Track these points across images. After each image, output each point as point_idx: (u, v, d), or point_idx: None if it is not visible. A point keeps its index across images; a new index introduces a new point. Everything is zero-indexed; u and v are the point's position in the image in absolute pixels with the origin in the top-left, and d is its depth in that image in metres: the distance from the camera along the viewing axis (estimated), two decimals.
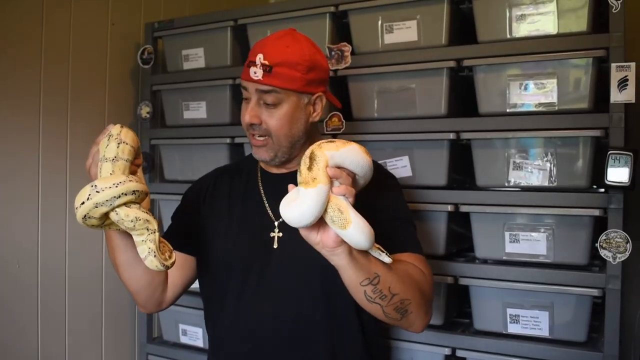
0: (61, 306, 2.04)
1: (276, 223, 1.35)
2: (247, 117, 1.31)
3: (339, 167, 1.04)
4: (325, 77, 1.39)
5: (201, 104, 2.22)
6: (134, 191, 1.01)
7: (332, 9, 1.93)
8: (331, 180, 1.01)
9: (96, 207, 0.99)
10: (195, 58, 2.25)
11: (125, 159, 1.08)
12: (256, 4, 3.05)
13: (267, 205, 1.38)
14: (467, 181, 1.94)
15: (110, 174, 1.05)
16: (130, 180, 1.02)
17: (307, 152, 1.03)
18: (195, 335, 2.19)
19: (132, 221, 1.02)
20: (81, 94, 2.10)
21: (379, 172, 1.42)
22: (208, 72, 2.21)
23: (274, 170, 1.42)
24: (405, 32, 1.84)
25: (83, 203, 0.99)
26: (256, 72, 1.29)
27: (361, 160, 1.07)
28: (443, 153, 1.79)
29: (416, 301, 1.18)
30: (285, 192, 1.35)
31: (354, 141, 1.13)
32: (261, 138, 1.33)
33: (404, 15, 1.84)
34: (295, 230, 1.29)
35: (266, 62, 1.29)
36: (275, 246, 1.33)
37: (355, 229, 0.99)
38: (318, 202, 0.98)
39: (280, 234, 1.34)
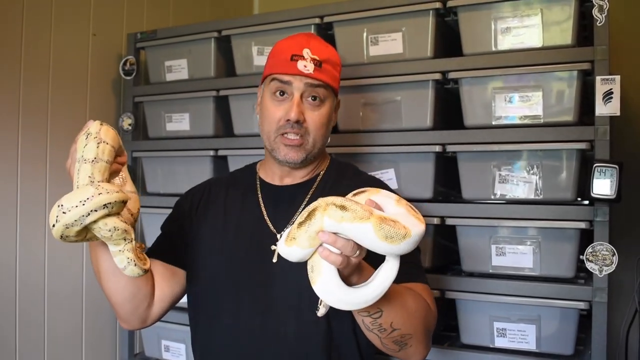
0: (40, 322, 1.99)
1: (278, 236, 1.29)
2: (292, 114, 1.25)
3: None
4: None
5: (184, 115, 2.20)
6: (104, 205, 0.95)
7: (317, 20, 1.93)
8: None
9: (67, 227, 0.94)
10: (178, 69, 2.23)
11: (105, 160, 1.02)
12: (240, 16, 3.06)
13: (267, 218, 1.33)
14: (452, 194, 1.93)
15: (89, 176, 0.99)
16: (100, 193, 0.94)
17: (312, 206, 0.91)
18: (178, 351, 2.15)
19: (109, 231, 0.98)
20: (62, 105, 2.07)
21: (386, 188, 1.40)
22: (191, 84, 2.19)
23: (276, 182, 1.38)
24: (390, 44, 1.83)
25: (54, 225, 0.94)
26: (306, 66, 1.26)
27: (375, 244, 0.89)
28: (429, 166, 1.78)
29: (417, 336, 1.14)
30: (286, 205, 1.33)
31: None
32: (298, 137, 1.28)
33: (390, 27, 1.83)
34: None
35: (316, 57, 1.27)
36: (274, 260, 1.27)
37: (319, 288, 0.95)
38: (292, 258, 0.95)
39: None
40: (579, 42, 1.66)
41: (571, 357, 1.66)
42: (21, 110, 1.92)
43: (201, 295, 1.35)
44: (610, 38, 1.57)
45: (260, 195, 1.38)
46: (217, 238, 1.35)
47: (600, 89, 1.53)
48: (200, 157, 2.15)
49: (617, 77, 1.52)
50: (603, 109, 1.54)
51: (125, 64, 2.29)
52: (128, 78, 2.30)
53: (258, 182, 1.40)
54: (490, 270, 1.73)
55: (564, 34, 1.64)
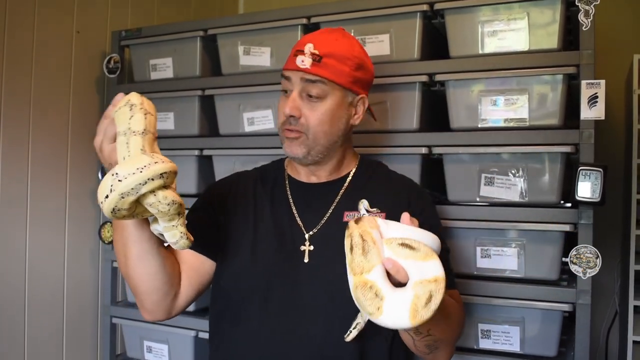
0: (20, 323, 1.96)
1: (307, 236, 1.27)
2: (287, 108, 1.24)
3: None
4: (371, 81, 1.36)
5: (169, 115, 2.18)
6: (161, 174, 0.90)
7: (304, 20, 1.92)
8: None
9: (122, 197, 0.89)
10: (163, 68, 2.21)
11: (152, 132, 0.96)
12: (225, 15, 3.05)
13: (296, 216, 1.30)
14: (437, 196, 1.93)
15: (141, 149, 0.93)
16: (155, 162, 0.90)
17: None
18: (160, 352, 2.13)
19: (168, 205, 0.93)
20: (44, 104, 2.04)
21: (419, 189, 1.41)
22: (176, 83, 2.17)
23: (304, 179, 1.36)
24: (377, 45, 1.83)
25: (107, 197, 0.89)
26: (304, 61, 1.24)
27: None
28: (415, 167, 1.78)
29: (448, 342, 1.16)
30: (316, 203, 1.32)
31: None
32: (295, 133, 1.26)
33: (377, 29, 1.83)
34: (327, 245, 1.25)
35: (316, 52, 1.25)
36: (305, 260, 1.25)
37: None
38: None
39: (312, 247, 1.26)
40: (564, 46, 1.67)
41: (554, 358, 1.67)
42: (2, 109, 1.89)
43: (227, 291, 1.31)
44: (595, 43, 1.58)
45: (289, 192, 1.35)
46: (246, 235, 1.31)
47: (585, 93, 1.55)
48: (184, 156, 2.13)
49: (602, 82, 1.53)
50: (588, 112, 1.55)
51: (109, 62, 2.27)
52: (112, 76, 2.27)
53: (287, 179, 1.38)
54: (475, 272, 1.73)
55: (550, 38, 1.65)
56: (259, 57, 2.01)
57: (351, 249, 0.92)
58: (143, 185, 0.89)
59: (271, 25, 1.97)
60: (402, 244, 0.94)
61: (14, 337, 1.94)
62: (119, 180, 0.88)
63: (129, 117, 0.95)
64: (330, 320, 1.21)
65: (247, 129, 2.03)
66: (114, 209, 0.91)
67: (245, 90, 2.01)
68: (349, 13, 1.86)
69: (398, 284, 0.93)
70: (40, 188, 2.01)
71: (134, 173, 0.88)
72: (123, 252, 1.16)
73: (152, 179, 0.89)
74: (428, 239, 0.97)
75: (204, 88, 2.10)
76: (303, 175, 1.37)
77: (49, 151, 2.05)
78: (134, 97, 0.98)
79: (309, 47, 1.25)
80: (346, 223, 1.25)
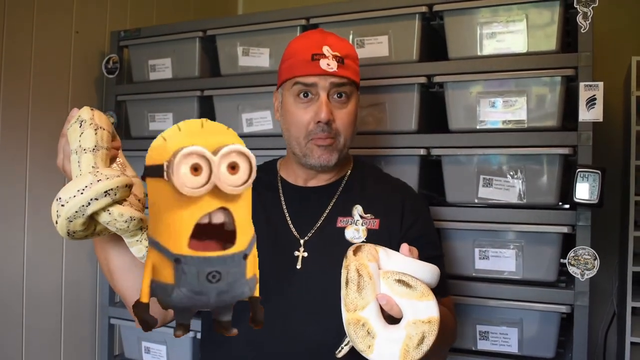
0: (18, 324, 1.96)
1: (302, 241, 1.25)
2: (322, 114, 1.20)
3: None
4: None
5: (168, 115, 2.18)
6: (105, 192, 0.85)
7: (303, 22, 1.92)
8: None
9: (70, 221, 0.85)
10: (162, 68, 2.21)
11: (105, 147, 0.93)
12: (224, 15, 3.05)
13: (289, 221, 1.28)
14: (436, 197, 1.94)
15: (92, 166, 0.90)
16: (99, 180, 0.86)
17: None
18: (158, 353, 2.13)
19: (126, 222, 0.89)
20: (43, 104, 2.03)
21: (413, 193, 1.38)
22: (175, 83, 2.17)
23: (300, 183, 1.33)
24: (376, 47, 1.84)
25: (57, 222, 0.86)
26: (330, 64, 1.20)
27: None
28: (413, 169, 1.78)
29: (440, 350, 1.15)
30: (310, 208, 1.29)
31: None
32: (329, 138, 1.23)
33: (376, 30, 1.83)
34: (321, 251, 1.23)
35: (337, 54, 1.22)
36: (298, 266, 1.23)
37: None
38: None
39: (306, 254, 1.24)
40: (562, 48, 1.67)
41: (552, 359, 1.68)
42: (1, 108, 1.89)
43: None
44: (594, 45, 1.59)
45: (282, 198, 1.33)
46: None
47: (584, 95, 1.55)
48: None
49: (601, 84, 1.53)
50: (586, 114, 1.55)
51: (108, 62, 2.27)
52: (111, 76, 2.27)
53: (280, 183, 1.35)
54: (474, 274, 1.74)
55: (549, 40, 1.65)
56: (258, 58, 2.02)
57: (346, 283, 0.91)
58: (87, 206, 0.85)
59: (270, 26, 1.97)
60: (399, 281, 0.92)
61: (12, 337, 1.93)
62: (62, 205, 0.85)
63: (79, 134, 0.93)
64: (323, 325, 1.20)
65: (246, 129, 2.03)
66: (68, 232, 0.88)
67: (244, 91, 2.01)
68: (348, 14, 1.86)
69: (391, 318, 0.92)
70: (39, 188, 2.00)
71: (74, 196, 0.85)
72: (106, 267, 1.14)
73: (96, 199, 0.85)
74: (427, 272, 0.96)
75: (203, 89, 2.09)
76: (301, 180, 1.34)
77: (47, 151, 2.05)
78: (84, 112, 0.96)
79: (327, 50, 1.22)
80: (340, 229, 1.24)
